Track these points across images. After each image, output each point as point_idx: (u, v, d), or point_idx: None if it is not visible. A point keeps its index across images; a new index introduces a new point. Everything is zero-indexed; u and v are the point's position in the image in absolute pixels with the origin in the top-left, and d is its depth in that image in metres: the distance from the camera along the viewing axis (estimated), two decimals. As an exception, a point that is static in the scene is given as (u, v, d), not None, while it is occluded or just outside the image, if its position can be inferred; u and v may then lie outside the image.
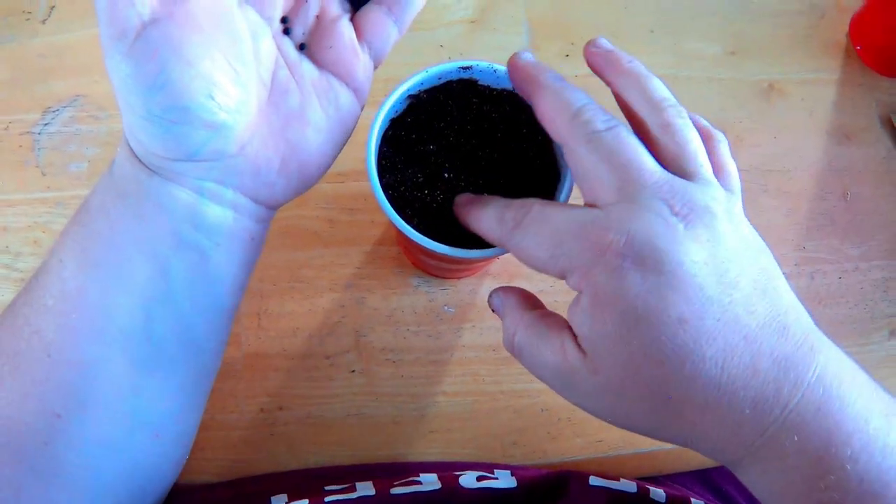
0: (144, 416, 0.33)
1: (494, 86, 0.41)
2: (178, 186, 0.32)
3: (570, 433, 0.48)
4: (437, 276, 0.50)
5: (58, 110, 0.55)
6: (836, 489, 0.27)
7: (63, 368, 0.32)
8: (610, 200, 0.28)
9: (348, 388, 0.48)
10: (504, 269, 0.51)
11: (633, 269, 0.27)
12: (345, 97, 0.35)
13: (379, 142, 0.39)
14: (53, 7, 0.59)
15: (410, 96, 0.40)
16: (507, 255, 0.50)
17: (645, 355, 0.27)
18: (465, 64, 0.40)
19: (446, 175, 0.40)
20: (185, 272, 0.32)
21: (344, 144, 0.36)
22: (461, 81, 0.41)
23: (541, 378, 0.31)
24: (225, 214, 0.33)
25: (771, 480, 0.29)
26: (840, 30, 0.61)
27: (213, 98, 0.30)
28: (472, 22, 0.57)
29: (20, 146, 0.54)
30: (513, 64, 0.35)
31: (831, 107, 0.59)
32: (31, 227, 0.51)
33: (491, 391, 0.48)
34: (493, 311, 0.36)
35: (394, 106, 0.39)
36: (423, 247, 0.36)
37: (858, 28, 0.60)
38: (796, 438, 0.27)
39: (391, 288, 0.50)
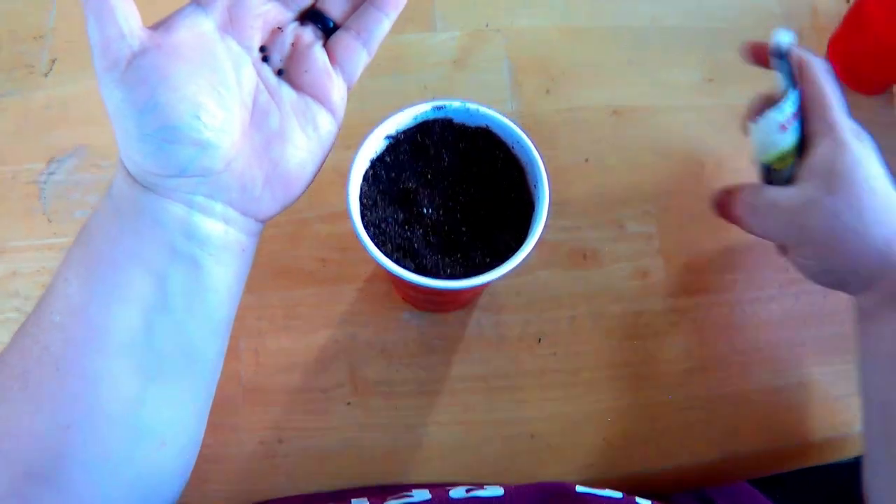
0: (149, 425, 0.36)
1: (469, 123, 0.45)
2: (171, 201, 0.35)
3: (560, 458, 0.52)
4: (426, 310, 0.54)
5: (62, 160, 0.60)
6: None
7: (70, 381, 0.34)
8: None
9: (344, 419, 0.52)
10: (493, 302, 0.55)
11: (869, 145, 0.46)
12: (322, 117, 0.40)
13: (361, 182, 0.44)
14: (55, 60, 0.64)
15: (389, 137, 0.45)
16: (494, 289, 0.55)
17: (870, 187, 0.44)
18: (439, 104, 0.45)
19: (426, 211, 0.45)
20: (180, 282, 0.36)
21: (323, 162, 0.41)
22: (437, 121, 0.45)
23: (766, 217, 0.47)
24: (216, 226, 0.37)
25: None
26: (818, 50, 0.65)
27: (199, 118, 0.34)
28: (454, 62, 0.62)
29: (27, 195, 0.59)
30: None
31: (812, 127, 0.63)
32: (40, 272, 0.56)
33: (481, 420, 0.52)
34: (721, 209, 0.51)
35: (373, 147, 0.44)
36: (406, 280, 0.41)
37: (836, 48, 0.64)
38: None
39: (383, 323, 0.54)
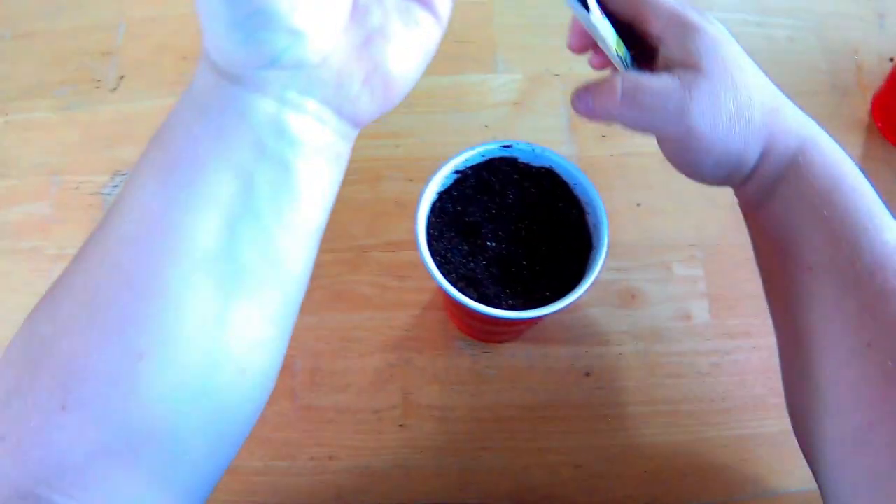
0: (229, 350, 0.33)
1: (534, 163, 0.48)
2: (261, 96, 0.33)
3: (601, 489, 0.54)
4: (479, 340, 0.57)
5: (126, 174, 0.63)
6: (838, 206, 0.39)
7: (146, 301, 0.31)
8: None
9: (395, 441, 0.55)
10: (543, 335, 0.58)
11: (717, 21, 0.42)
12: (425, 20, 0.36)
13: (428, 213, 0.46)
14: (122, 77, 0.67)
15: (457, 171, 0.48)
16: (545, 323, 0.57)
17: (737, 64, 0.41)
18: (507, 143, 0.47)
19: (489, 244, 0.47)
20: (269, 186, 0.33)
21: (425, 66, 0.37)
22: (503, 159, 0.48)
23: (650, 106, 0.41)
24: (308, 126, 0.34)
25: (793, 197, 0.41)
26: (862, 108, 0.68)
27: (295, 5, 0.31)
28: (514, 104, 0.65)
29: (90, 205, 0.62)
30: None
31: (853, 182, 0.66)
32: (100, 283, 0.59)
33: (528, 448, 0.55)
34: (587, 107, 0.43)
35: (441, 180, 0.47)
36: (468, 309, 0.43)
37: (880, 106, 0.67)
38: (819, 157, 0.41)
39: (437, 350, 0.57)
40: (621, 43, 0.43)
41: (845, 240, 0.38)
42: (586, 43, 0.45)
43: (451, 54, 0.66)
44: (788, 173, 0.41)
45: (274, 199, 0.33)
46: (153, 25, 0.70)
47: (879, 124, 0.67)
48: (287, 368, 0.56)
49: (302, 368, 0.56)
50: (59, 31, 0.70)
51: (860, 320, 0.37)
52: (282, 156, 0.33)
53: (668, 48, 0.42)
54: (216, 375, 0.33)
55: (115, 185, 0.63)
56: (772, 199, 0.42)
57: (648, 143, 0.64)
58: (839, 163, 0.41)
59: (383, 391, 0.56)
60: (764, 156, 0.41)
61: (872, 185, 0.41)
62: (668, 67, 0.41)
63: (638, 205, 0.62)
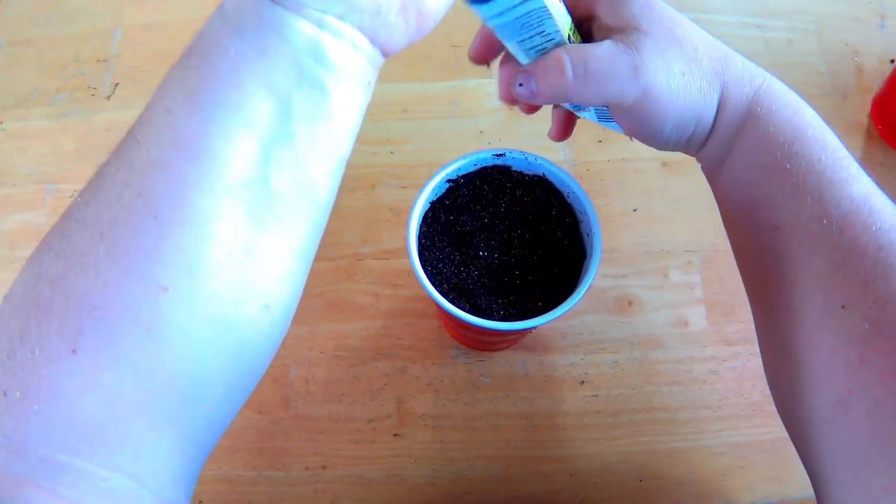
0: (255, 283, 0.33)
1: (527, 171, 0.48)
2: (300, 17, 0.32)
3: (597, 497, 0.55)
4: (474, 349, 0.57)
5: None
6: (801, 157, 0.37)
7: (172, 231, 0.30)
8: None
9: (389, 450, 0.55)
10: (538, 343, 0.58)
11: None
12: None
13: (420, 222, 0.47)
14: (117, 84, 0.68)
15: (449, 180, 0.48)
16: (540, 331, 0.58)
17: (674, 20, 0.39)
18: (499, 151, 0.48)
19: (482, 254, 0.48)
20: (306, 109, 0.33)
21: None
22: (496, 167, 0.48)
23: (603, 74, 0.38)
24: (344, 51, 0.34)
25: (753, 151, 0.39)
26: (862, 111, 0.68)
27: None
28: (510, 109, 0.65)
29: (85, 214, 0.63)
30: None
31: (853, 185, 0.66)
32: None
33: (523, 456, 0.55)
34: (526, 94, 0.41)
35: (434, 189, 0.47)
36: (459, 319, 0.44)
37: (880, 109, 0.67)
38: (776, 105, 0.39)
39: (431, 359, 0.57)
40: (573, 29, 0.41)
41: (810, 195, 0.37)
42: (490, 53, 0.44)
43: (447, 59, 0.66)
44: (747, 124, 0.40)
45: (310, 123, 0.33)
46: (148, 33, 0.71)
47: (879, 127, 0.67)
48: (281, 377, 0.56)
49: (296, 377, 0.57)
50: (55, 38, 0.71)
51: (832, 281, 0.35)
52: (319, 79, 0.33)
53: (601, 19, 0.40)
54: (241, 310, 0.32)
55: (111, 193, 0.63)
56: (733, 156, 0.41)
57: (645, 148, 0.64)
58: (798, 112, 0.39)
59: (377, 400, 0.56)
60: (721, 106, 0.40)
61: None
62: (610, 28, 0.40)
63: (634, 210, 0.62)
